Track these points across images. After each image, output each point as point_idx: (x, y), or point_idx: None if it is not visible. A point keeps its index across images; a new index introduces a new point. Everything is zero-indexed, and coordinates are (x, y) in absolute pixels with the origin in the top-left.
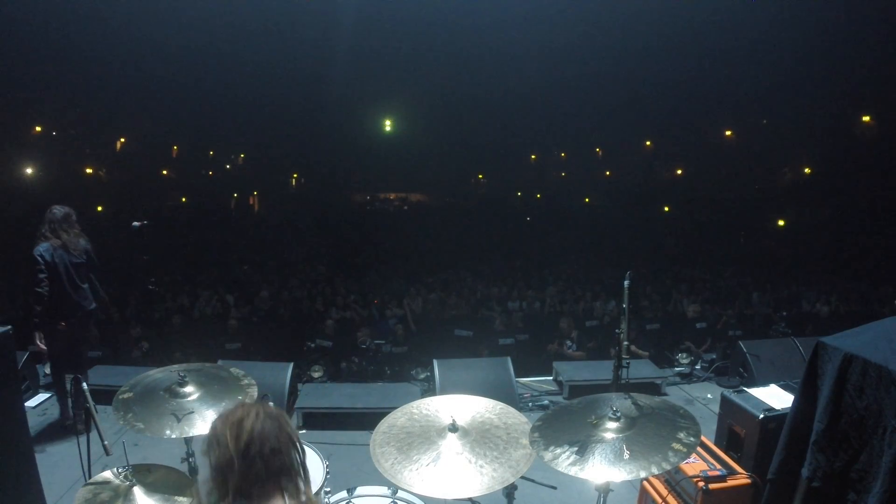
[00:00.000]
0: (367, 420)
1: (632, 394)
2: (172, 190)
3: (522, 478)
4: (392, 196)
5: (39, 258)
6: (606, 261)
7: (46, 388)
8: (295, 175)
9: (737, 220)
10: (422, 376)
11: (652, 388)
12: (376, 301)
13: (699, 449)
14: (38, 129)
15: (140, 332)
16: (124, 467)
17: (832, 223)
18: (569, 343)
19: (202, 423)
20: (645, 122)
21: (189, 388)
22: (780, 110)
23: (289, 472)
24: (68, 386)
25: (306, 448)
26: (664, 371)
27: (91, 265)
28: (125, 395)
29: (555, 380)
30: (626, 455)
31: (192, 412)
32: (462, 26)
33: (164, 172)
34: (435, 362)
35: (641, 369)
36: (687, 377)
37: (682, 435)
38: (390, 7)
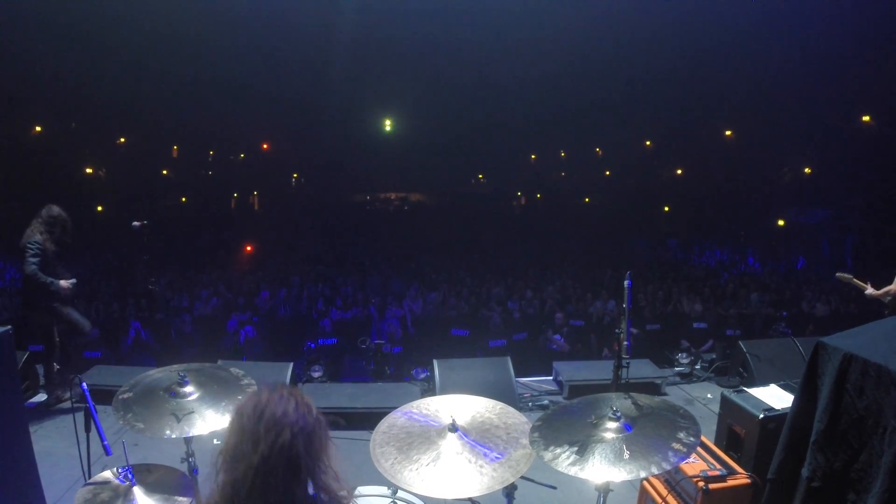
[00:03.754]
0: (367, 420)
1: (632, 394)
2: (172, 190)
3: (522, 478)
4: (392, 196)
5: (36, 245)
6: (606, 261)
7: (46, 388)
8: (295, 175)
9: (737, 219)
10: (422, 376)
11: (652, 388)
12: (373, 301)
13: (699, 449)
14: (38, 128)
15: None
16: (124, 467)
17: (832, 223)
18: (554, 335)
19: (202, 422)
20: (645, 122)
21: (189, 388)
22: (780, 110)
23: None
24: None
25: None
26: (664, 371)
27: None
28: (125, 395)
29: (555, 380)
30: (626, 455)
31: (192, 412)
32: (462, 25)
33: (165, 172)
34: (435, 362)
35: (641, 369)
36: (687, 377)
37: (682, 435)
38: (391, 5)
